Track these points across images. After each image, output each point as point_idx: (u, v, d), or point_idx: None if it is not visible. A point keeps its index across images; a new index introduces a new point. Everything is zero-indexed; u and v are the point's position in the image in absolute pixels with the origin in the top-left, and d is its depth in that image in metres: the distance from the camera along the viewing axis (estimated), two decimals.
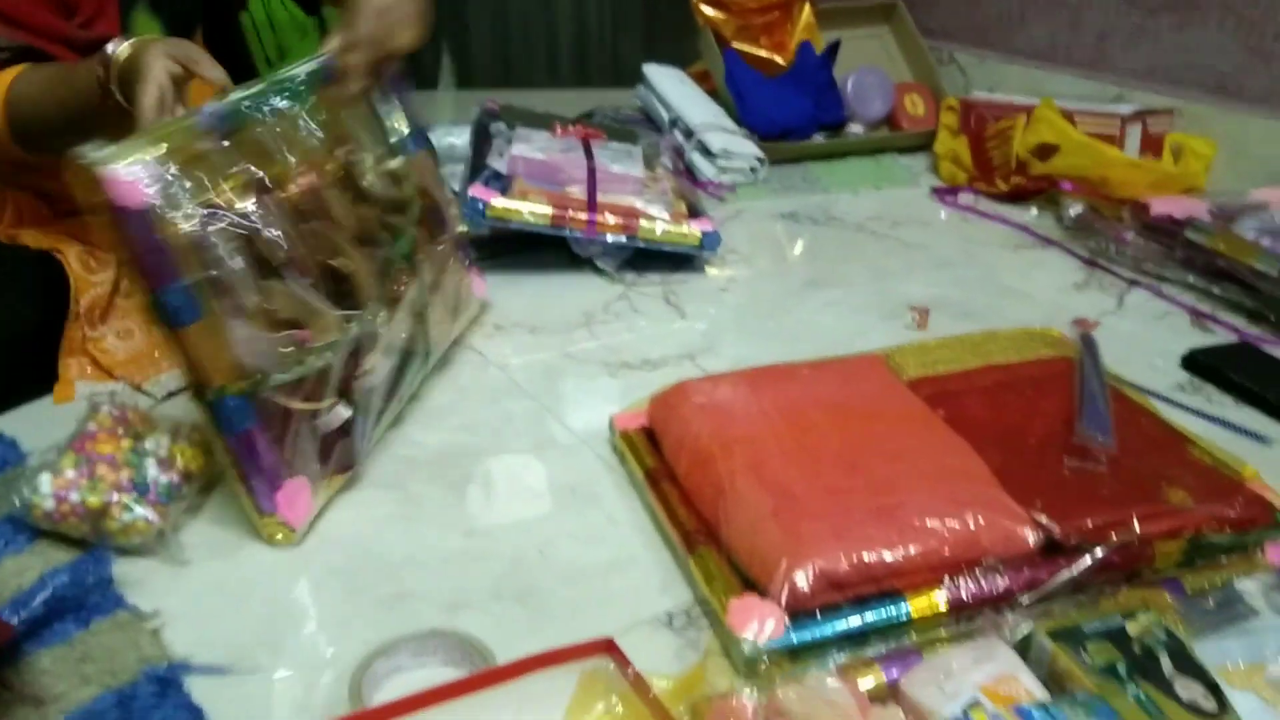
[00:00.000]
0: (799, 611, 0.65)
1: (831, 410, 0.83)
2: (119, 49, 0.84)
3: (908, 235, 1.45)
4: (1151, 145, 1.56)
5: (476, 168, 1.31)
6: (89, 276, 1.01)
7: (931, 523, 0.69)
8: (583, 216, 1.22)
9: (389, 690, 0.64)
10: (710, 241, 1.26)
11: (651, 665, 0.61)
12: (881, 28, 1.93)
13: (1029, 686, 0.60)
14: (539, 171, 1.28)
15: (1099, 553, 0.70)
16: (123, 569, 0.73)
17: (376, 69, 0.92)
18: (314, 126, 0.85)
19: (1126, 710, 0.57)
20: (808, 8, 1.83)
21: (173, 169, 0.70)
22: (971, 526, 0.69)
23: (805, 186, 1.63)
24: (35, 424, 0.90)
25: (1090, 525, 0.71)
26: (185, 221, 0.70)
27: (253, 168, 0.77)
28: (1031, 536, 0.70)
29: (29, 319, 0.99)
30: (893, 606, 0.67)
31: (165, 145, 0.70)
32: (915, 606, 0.67)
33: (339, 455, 0.83)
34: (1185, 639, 0.63)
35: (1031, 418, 0.85)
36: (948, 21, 1.98)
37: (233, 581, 0.74)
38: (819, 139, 1.75)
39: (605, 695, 0.58)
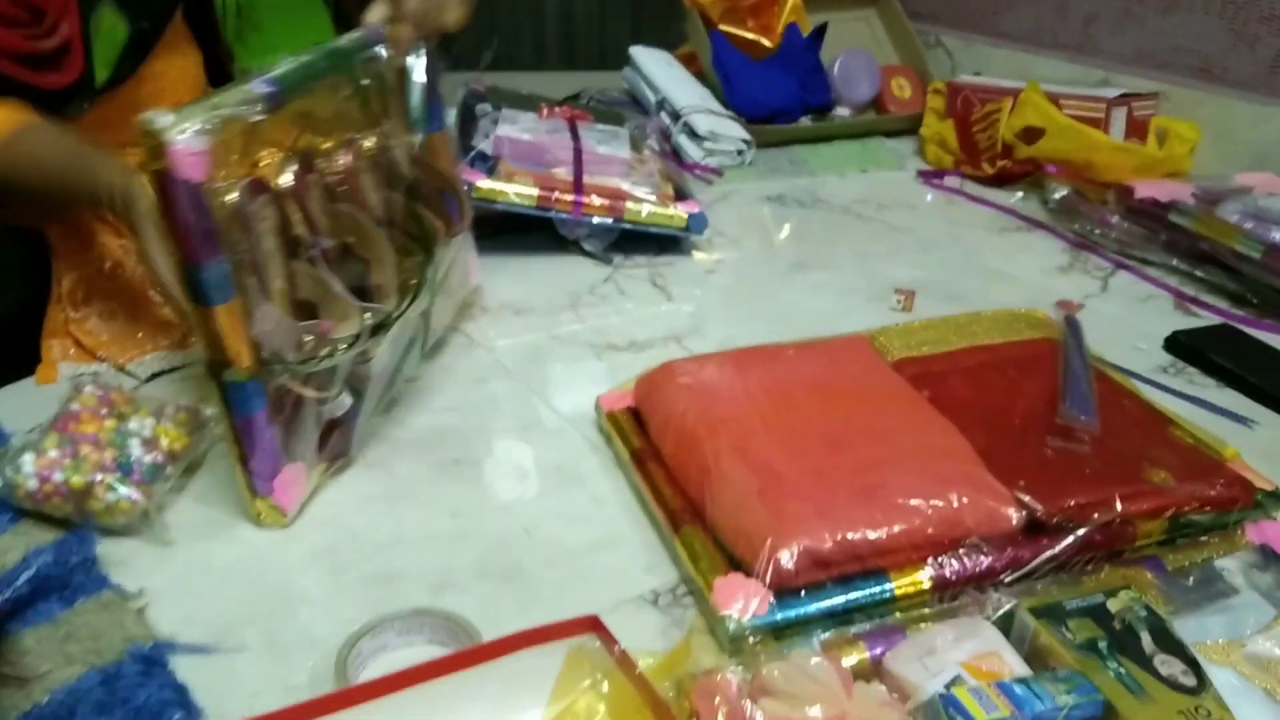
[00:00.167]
0: (784, 590, 0.66)
1: (817, 391, 0.83)
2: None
3: (894, 218, 1.45)
4: (1136, 129, 1.56)
5: (462, 149, 1.30)
6: (72, 257, 1.00)
7: (915, 502, 0.70)
8: (569, 198, 1.21)
9: (375, 669, 0.64)
10: (697, 224, 1.26)
11: (637, 643, 0.61)
12: (868, 10, 1.92)
13: (1011, 663, 0.60)
14: (525, 153, 1.27)
15: (1081, 532, 0.70)
16: (107, 549, 0.73)
17: (418, 45, 0.92)
18: (356, 102, 0.84)
19: (1107, 686, 0.58)
20: None
21: (226, 139, 0.69)
22: (955, 505, 0.70)
23: (792, 169, 1.62)
24: (17, 405, 0.90)
25: (1073, 504, 0.72)
26: (229, 193, 0.69)
27: (295, 142, 0.76)
28: (1014, 516, 0.71)
29: (11, 300, 0.98)
30: (877, 585, 0.67)
31: (223, 114, 0.68)
32: (899, 585, 0.67)
33: (335, 443, 0.83)
34: (1165, 616, 0.64)
35: (1015, 398, 0.85)
36: (934, 5, 1.98)
37: (217, 561, 0.74)
38: (806, 122, 1.75)
39: (591, 673, 0.58)
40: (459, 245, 1.02)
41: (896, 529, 0.68)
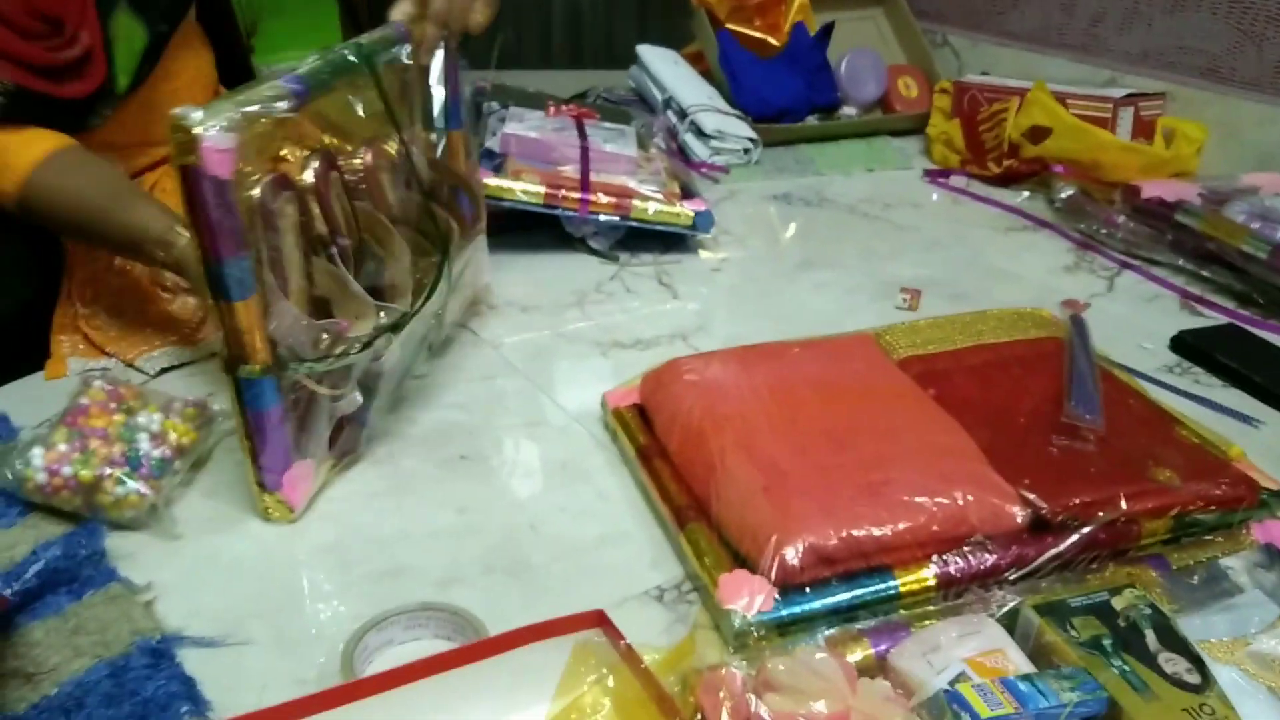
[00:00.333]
0: (788, 586, 0.66)
1: (822, 388, 0.83)
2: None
3: (900, 217, 1.45)
4: (1143, 129, 1.56)
5: None
6: (81, 253, 1.01)
7: (920, 500, 0.70)
8: (576, 196, 1.22)
9: (381, 663, 0.64)
10: (703, 222, 1.26)
11: (642, 639, 0.61)
12: (875, 10, 1.92)
13: (1015, 660, 0.60)
14: (532, 150, 1.27)
15: (1086, 530, 0.70)
16: (115, 542, 0.74)
17: (444, 44, 0.92)
18: (378, 101, 0.84)
19: (1111, 683, 0.58)
20: None
21: (251, 136, 0.69)
22: (960, 503, 0.70)
23: (798, 168, 1.63)
24: (26, 400, 0.90)
25: (1078, 503, 0.72)
26: (253, 189, 0.69)
27: (320, 139, 0.76)
28: (1020, 514, 0.71)
29: (20, 296, 0.99)
30: (881, 582, 0.67)
31: (250, 111, 0.68)
32: (904, 582, 0.67)
33: (345, 440, 0.83)
34: (1170, 614, 0.64)
35: (1020, 397, 0.86)
36: (941, 4, 1.98)
37: (225, 555, 0.75)
38: (812, 121, 1.75)
39: (596, 667, 0.59)
40: (475, 244, 1.03)
41: (901, 526, 0.68)
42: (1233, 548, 0.76)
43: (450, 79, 0.98)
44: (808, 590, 0.66)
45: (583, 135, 1.32)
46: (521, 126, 1.30)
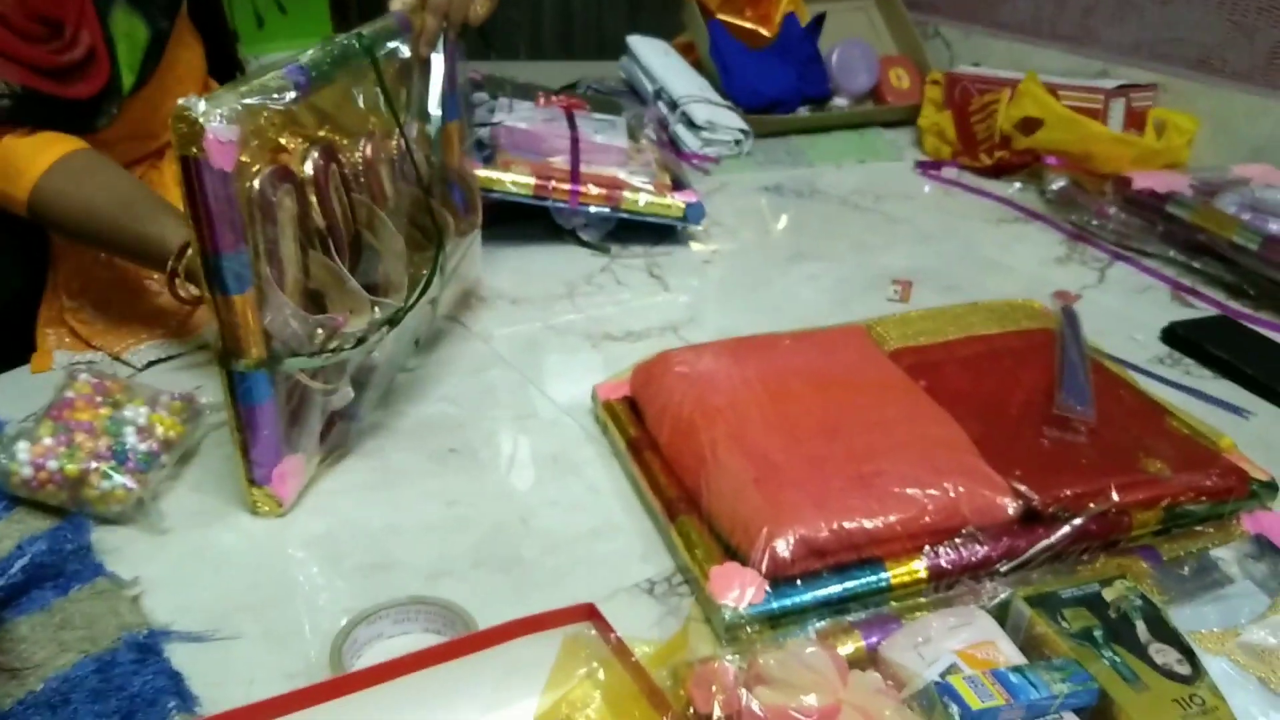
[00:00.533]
0: (780, 579, 0.66)
1: (813, 380, 0.83)
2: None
3: (891, 209, 1.45)
4: (1135, 120, 1.56)
5: None
6: (67, 246, 1.00)
7: (912, 491, 0.70)
8: (566, 187, 1.21)
9: (370, 657, 0.64)
10: (694, 213, 1.26)
11: (633, 632, 0.61)
12: (866, 1, 1.92)
13: (1006, 651, 0.60)
14: (522, 141, 1.27)
15: (1077, 521, 0.70)
16: (101, 537, 0.73)
17: (444, 35, 0.91)
18: (378, 93, 0.83)
19: (1102, 674, 0.58)
20: None
21: (252, 127, 0.68)
22: (951, 495, 0.70)
23: (789, 159, 1.62)
24: (12, 394, 0.89)
25: (1069, 494, 0.72)
26: (253, 180, 0.69)
27: (316, 130, 0.76)
28: (1011, 505, 0.71)
29: (5, 288, 0.98)
30: (872, 574, 0.67)
31: (251, 102, 0.68)
32: (895, 574, 0.67)
33: (335, 435, 0.83)
34: (1161, 605, 0.64)
35: (1012, 388, 0.85)
36: None
37: (213, 549, 0.74)
38: (803, 112, 1.74)
39: (587, 661, 0.58)
40: (470, 237, 1.02)
41: (892, 518, 0.68)
42: (1223, 538, 0.76)
43: (449, 70, 0.97)
44: (799, 582, 0.66)
45: (573, 126, 1.31)
46: (512, 118, 1.30)
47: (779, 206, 1.45)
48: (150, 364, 0.96)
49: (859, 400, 0.81)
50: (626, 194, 1.23)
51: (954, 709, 0.55)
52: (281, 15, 1.53)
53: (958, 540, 0.69)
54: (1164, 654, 0.60)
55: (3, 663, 0.62)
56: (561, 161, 1.25)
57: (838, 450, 0.74)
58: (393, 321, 0.80)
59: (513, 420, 0.91)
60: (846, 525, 0.67)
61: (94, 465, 0.73)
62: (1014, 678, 0.57)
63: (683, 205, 1.25)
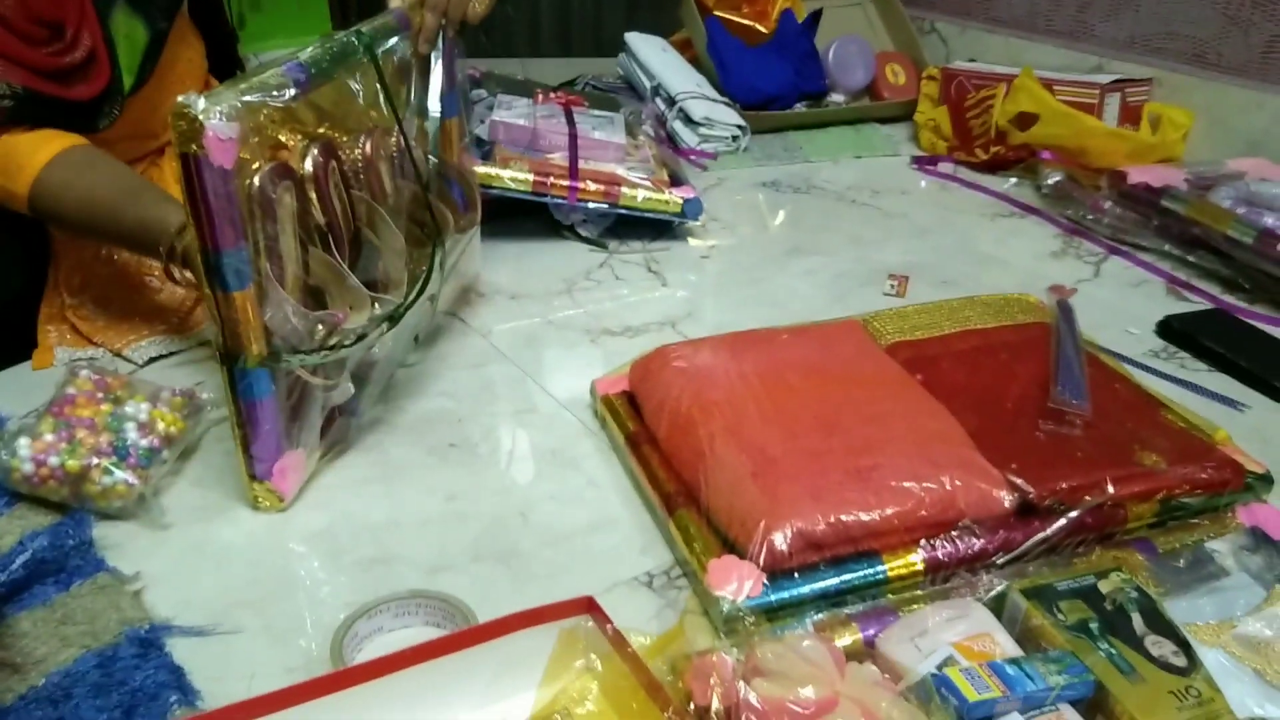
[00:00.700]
0: (777, 572, 0.66)
1: (810, 374, 0.83)
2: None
3: (888, 204, 1.45)
4: (1130, 115, 1.56)
5: None
6: (68, 243, 1.00)
7: (908, 484, 0.70)
8: (564, 183, 1.21)
9: (370, 651, 0.64)
10: (692, 209, 1.26)
11: (631, 624, 0.62)
12: None
13: (1003, 643, 0.61)
14: (520, 138, 1.27)
15: (1073, 514, 0.71)
16: (103, 532, 0.74)
17: (443, 32, 0.92)
18: (378, 90, 0.83)
19: (1098, 666, 0.58)
20: None
21: (252, 124, 0.69)
22: (948, 488, 0.70)
23: (786, 155, 1.62)
24: (13, 390, 0.90)
25: (1064, 487, 0.72)
26: (253, 177, 0.69)
27: (315, 127, 0.76)
28: (1007, 498, 0.71)
29: (6, 286, 0.98)
30: (869, 567, 0.67)
31: (252, 99, 0.68)
32: (892, 566, 0.68)
33: (335, 430, 0.83)
34: (1156, 598, 0.64)
35: (1008, 382, 0.86)
36: None
37: (214, 544, 0.74)
38: (800, 108, 1.74)
39: (585, 653, 0.59)
40: (470, 233, 1.02)
41: (889, 511, 0.69)
42: (1218, 531, 0.76)
43: (448, 67, 0.97)
44: (796, 575, 0.66)
45: (571, 123, 1.31)
46: (510, 114, 1.30)
47: (776, 202, 1.45)
48: (151, 360, 0.96)
49: (856, 394, 0.81)
50: (625, 190, 1.23)
51: (951, 701, 0.55)
52: (257, 13, 1.53)
53: (954, 533, 0.69)
54: (1160, 646, 0.60)
55: (4, 658, 0.63)
56: (560, 158, 1.25)
57: (835, 444, 0.75)
58: (392, 318, 0.80)
59: (512, 415, 0.91)
60: (843, 518, 0.68)
61: (95, 461, 0.73)
62: (1010, 670, 0.57)
63: (680, 201, 1.26)
